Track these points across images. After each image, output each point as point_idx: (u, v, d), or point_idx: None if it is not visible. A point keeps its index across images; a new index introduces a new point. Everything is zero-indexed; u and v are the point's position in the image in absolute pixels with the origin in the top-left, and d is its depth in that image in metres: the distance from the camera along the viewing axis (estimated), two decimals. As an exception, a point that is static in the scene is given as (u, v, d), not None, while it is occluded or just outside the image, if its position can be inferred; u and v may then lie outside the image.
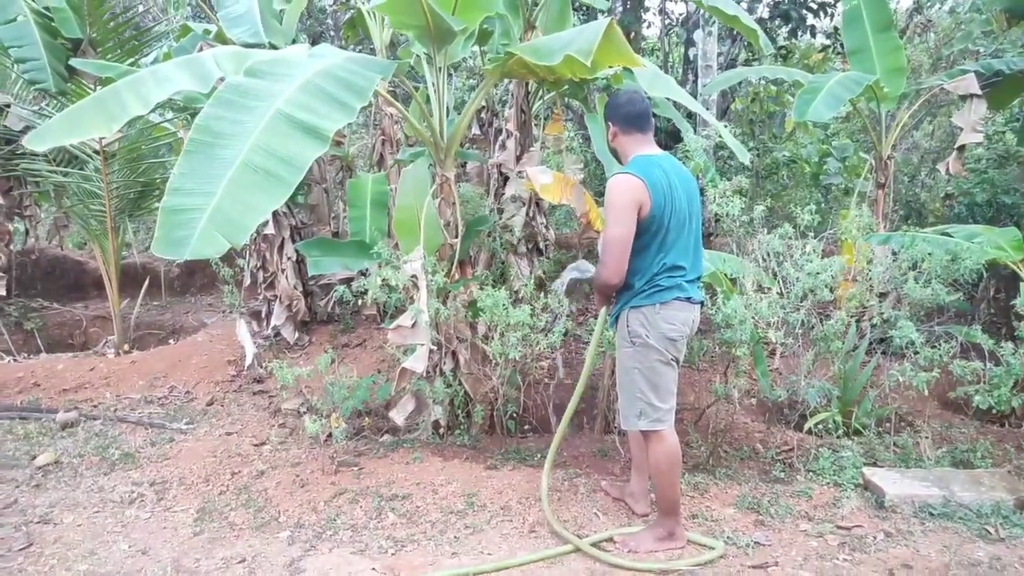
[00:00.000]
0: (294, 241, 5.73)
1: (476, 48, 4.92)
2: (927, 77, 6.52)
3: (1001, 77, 6.00)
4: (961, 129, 5.91)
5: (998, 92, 6.08)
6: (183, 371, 5.40)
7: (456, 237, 4.15)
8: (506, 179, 5.70)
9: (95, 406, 4.91)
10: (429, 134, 4.03)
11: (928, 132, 8.85)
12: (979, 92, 5.80)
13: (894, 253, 4.45)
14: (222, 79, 3.15)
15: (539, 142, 5.63)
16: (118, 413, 4.77)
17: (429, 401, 4.15)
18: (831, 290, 3.39)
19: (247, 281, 5.97)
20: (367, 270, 4.40)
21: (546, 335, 3.61)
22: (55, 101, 6.15)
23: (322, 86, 3.04)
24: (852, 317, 3.52)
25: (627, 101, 3.03)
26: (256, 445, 4.31)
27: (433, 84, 4.10)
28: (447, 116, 4.11)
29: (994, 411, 3.56)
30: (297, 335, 5.83)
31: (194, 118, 2.89)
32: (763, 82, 8.40)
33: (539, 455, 3.94)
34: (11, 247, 6.95)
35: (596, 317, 3.27)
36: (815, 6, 10.69)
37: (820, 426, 3.95)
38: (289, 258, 5.72)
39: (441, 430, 4.23)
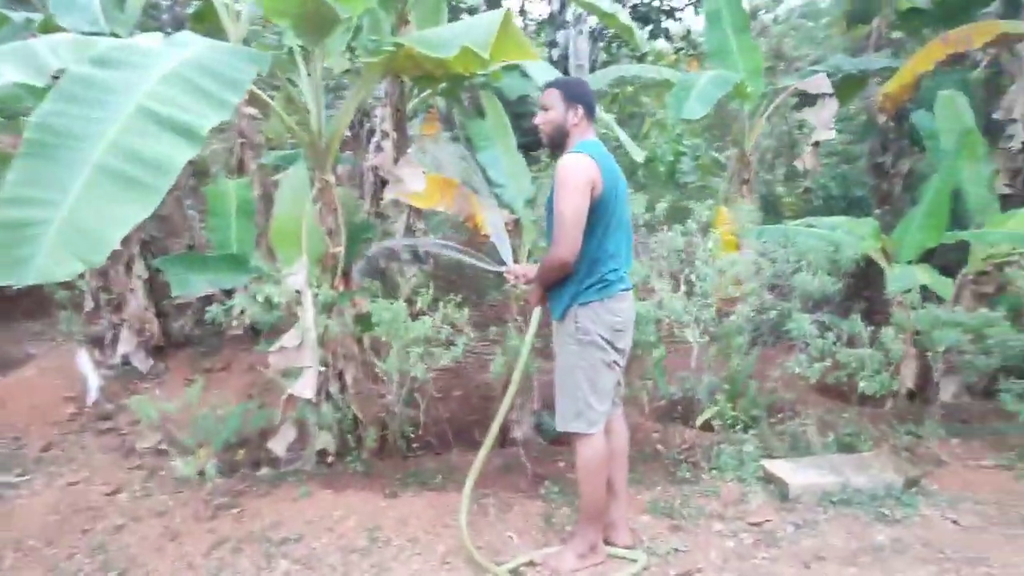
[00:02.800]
0: (144, 256, 5.12)
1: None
2: (778, 77, 6.90)
3: (843, 76, 6.50)
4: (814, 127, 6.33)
5: (840, 91, 6.56)
6: (9, 412, 4.65)
7: (339, 246, 3.83)
8: (383, 182, 5.42)
9: None
10: (306, 135, 3.69)
11: (767, 131, 9.46)
12: (831, 91, 6.21)
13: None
14: (62, 71, 2.67)
15: (415, 142, 5.39)
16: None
17: (314, 427, 3.80)
18: (739, 284, 3.43)
19: (88, 304, 5.25)
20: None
21: (448, 348, 3.39)
22: None
23: (190, 78, 2.66)
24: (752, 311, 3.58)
25: (586, 87, 2.93)
26: (109, 494, 3.74)
27: (309, 80, 3.75)
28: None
29: (876, 395, 3.74)
30: (151, 362, 5.21)
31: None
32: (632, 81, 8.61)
33: (440, 476, 3.71)
34: None
35: (505, 322, 3.09)
36: (668, 8, 11.16)
37: (716, 420, 4.01)
38: (139, 276, 5.10)
39: (329, 458, 3.88)
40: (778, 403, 4.36)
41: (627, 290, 2.89)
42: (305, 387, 3.30)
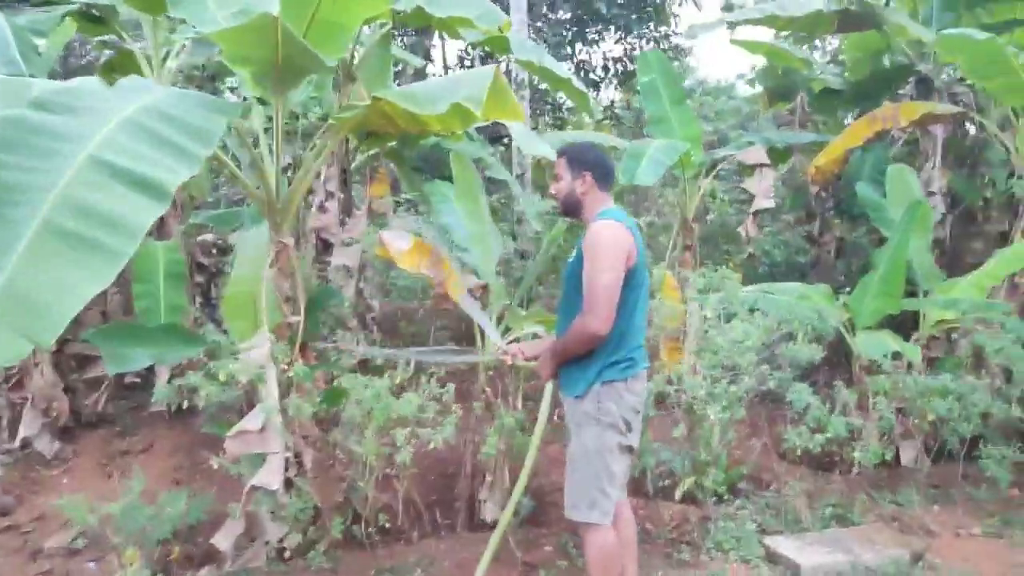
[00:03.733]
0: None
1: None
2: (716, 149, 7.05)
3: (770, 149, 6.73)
4: (753, 196, 6.46)
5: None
6: None
7: (297, 315, 3.45)
8: (327, 245, 5.07)
9: None
10: (263, 194, 3.34)
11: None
12: (767, 162, 6.38)
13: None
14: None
15: (365, 204, 5.10)
16: None
17: (266, 518, 3.33)
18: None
19: (-20, 382, 4.57)
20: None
21: (437, 429, 3.04)
22: None
23: (152, 127, 2.30)
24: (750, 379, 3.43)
25: (600, 154, 2.77)
26: (13, 609, 3.13)
27: (267, 135, 3.42)
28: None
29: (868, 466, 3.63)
30: (57, 445, 4.54)
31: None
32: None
33: (419, 570, 3.31)
34: None
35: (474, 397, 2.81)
36: (594, 80, 11.40)
37: (699, 494, 3.81)
38: (47, 349, 4.47)
39: (286, 553, 3.39)
40: (755, 473, 4.22)
41: (646, 368, 2.70)
42: (271, 476, 2.87)
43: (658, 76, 6.67)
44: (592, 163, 2.69)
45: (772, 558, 3.31)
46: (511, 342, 3.36)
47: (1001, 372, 4.50)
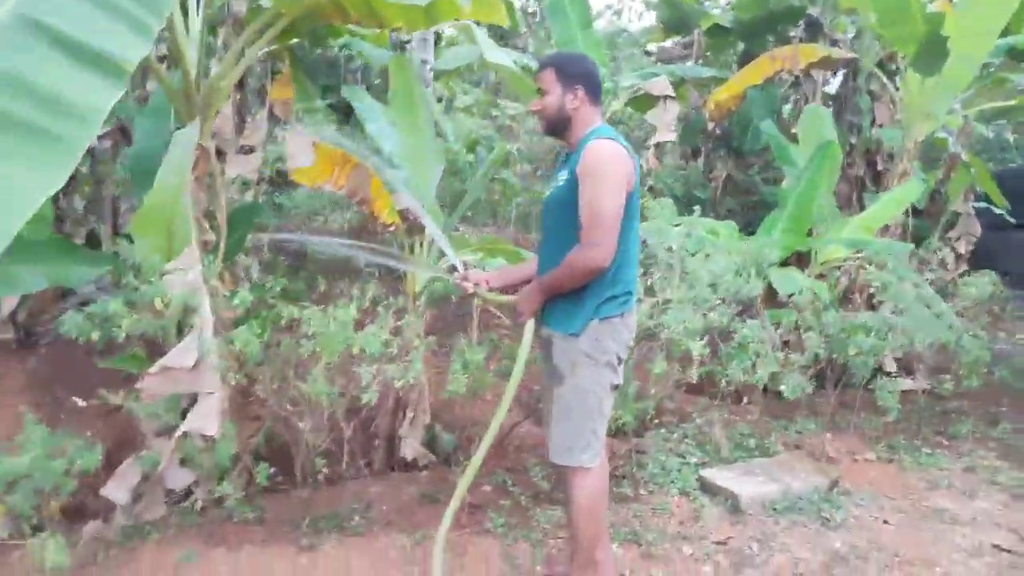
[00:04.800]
0: None
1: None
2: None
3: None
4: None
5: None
6: None
7: (217, 232, 2.98)
8: (219, 153, 4.44)
9: None
10: (181, 83, 2.78)
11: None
12: (672, 94, 6.38)
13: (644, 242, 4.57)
14: None
15: (265, 108, 4.50)
16: None
17: (172, 466, 2.92)
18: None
19: None
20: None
21: (403, 367, 2.75)
22: None
23: (89, -16, 1.77)
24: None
25: (590, 64, 2.47)
26: None
27: (185, 18, 2.84)
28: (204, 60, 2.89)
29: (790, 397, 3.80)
30: None
31: None
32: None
33: (357, 516, 3.06)
34: None
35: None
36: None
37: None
38: None
39: (198, 503, 3.01)
40: (661, 406, 4.32)
41: (639, 301, 2.55)
42: (206, 420, 2.47)
43: (567, -3, 6.41)
44: (584, 75, 2.44)
45: (709, 489, 3.41)
46: (467, 267, 3.10)
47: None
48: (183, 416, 2.70)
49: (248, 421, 3.24)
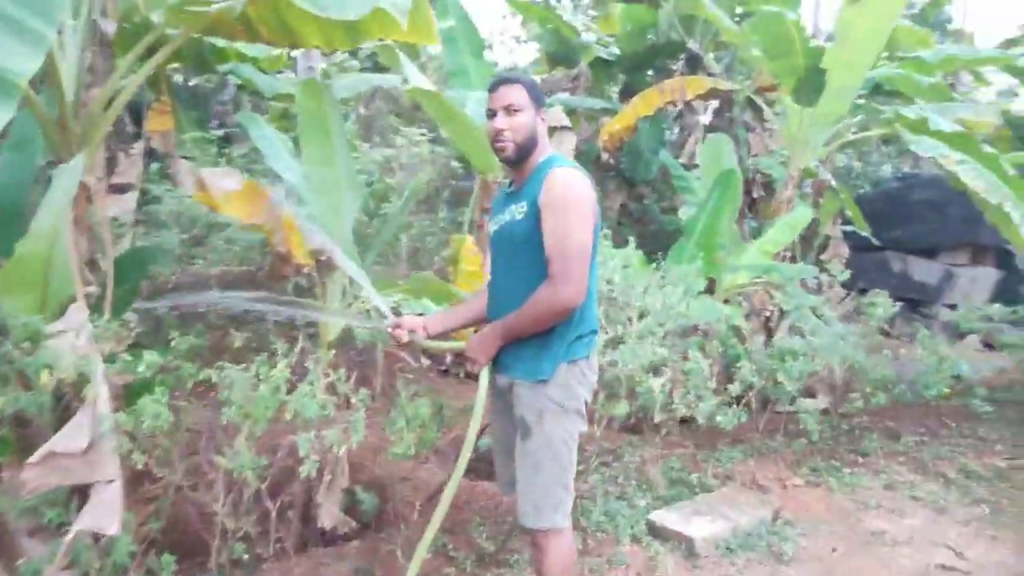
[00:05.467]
0: None
1: None
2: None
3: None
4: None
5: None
6: None
7: (101, 283, 2.51)
8: (88, 195, 3.88)
9: None
10: (55, 112, 2.34)
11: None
12: (568, 124, 6.35)
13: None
14: None
15: (142, 141, 3.99)
16: None
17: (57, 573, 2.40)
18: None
19: None
20: None
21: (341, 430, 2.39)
22: None
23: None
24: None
25: None
26: None
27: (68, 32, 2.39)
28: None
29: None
30: None
31: None
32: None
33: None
34: None
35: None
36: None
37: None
38: None
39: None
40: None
41: None
42: (106, 516, 2.01)
43: (456, 24, 6.29)
44: (542, 99, 2.28)
45: (660, 534, 3.26)
46: (395, 311, 2.81)
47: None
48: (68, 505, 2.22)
49: (143, 505, 2.75)
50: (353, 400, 2.53)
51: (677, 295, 3.31)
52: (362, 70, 8.01)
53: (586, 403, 2.24)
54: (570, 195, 2.10)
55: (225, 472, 2.33)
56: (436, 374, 6.10)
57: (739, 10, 7.53)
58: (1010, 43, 12.48)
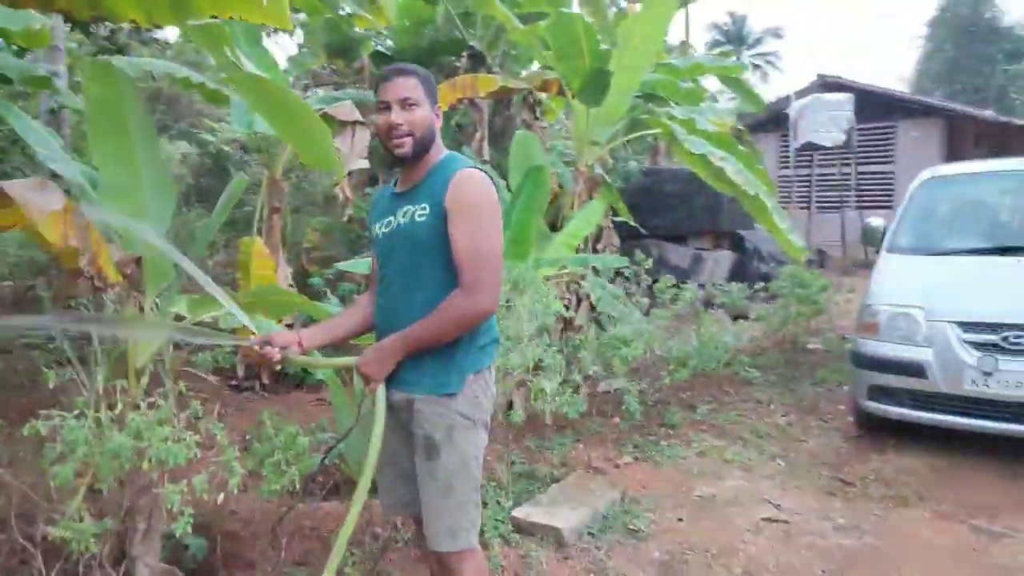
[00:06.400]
0: None
1: None
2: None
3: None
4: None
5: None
6: None
7: None
8: None
9: None
10: None
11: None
12: (363, 119, 6.07)
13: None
14: None
15: None
16: None
17: None
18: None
19: None
20: None
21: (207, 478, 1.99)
22: None
23: None
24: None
25: None
26: None
27: None
28: None
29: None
30: None
31: None
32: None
33: None
34: None
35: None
36: None
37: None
38: None
39: None
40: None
41: None
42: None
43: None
44: (436, 92, 2.13)
45: (527, 530, 3.23)
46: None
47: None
48: None
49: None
50: (219, 436, 2.15)
51: (553, 294, 3.30)
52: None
53: (489, 414, 2.14)
54: (482, 199, 1.98)
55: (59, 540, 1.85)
56: (230, 391, 5.57)
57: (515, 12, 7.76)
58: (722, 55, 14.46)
